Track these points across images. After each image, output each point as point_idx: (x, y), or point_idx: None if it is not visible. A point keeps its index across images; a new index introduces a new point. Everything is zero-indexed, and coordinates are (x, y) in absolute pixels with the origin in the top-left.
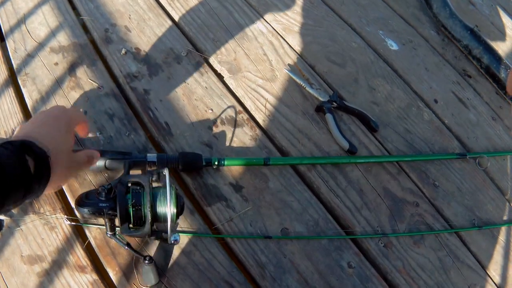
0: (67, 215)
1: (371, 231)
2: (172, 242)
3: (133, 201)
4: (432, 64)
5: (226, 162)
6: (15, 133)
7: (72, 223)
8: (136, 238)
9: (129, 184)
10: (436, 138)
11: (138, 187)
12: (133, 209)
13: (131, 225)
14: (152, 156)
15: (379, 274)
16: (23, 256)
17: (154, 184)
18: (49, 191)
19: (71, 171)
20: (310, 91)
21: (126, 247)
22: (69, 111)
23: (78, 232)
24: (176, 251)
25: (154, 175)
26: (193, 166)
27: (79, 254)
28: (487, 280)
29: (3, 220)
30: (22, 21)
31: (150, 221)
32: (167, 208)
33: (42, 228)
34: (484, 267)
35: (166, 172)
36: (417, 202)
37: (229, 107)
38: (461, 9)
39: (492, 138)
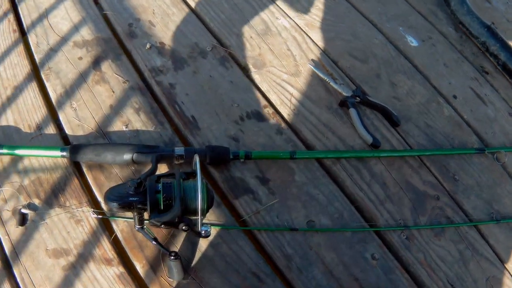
0: (93, 208)
1: (394, 223)
2: (203, 232)
3: (164, 195)
4: (451, 61)
5: (253, 155)
6: None
7: (99, 216)
8: (163, 231)
9: (160, 178)
10: (456, 133)
11: (169, 181)
12: (164, 202)
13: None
14: (179, 149)
15: (402, 266)
16: (48, 250)
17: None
18: None
19: None
20: (334, 86)
21: (154, 242)
22: None
23: (105, 225)
24: (203, 243)
25: (183, 174)
26: (220, 160)
27: (105, 247)
28: (504, 273)
29: (27, 213)
30: (44, 15)
31: (180, 202)
32: (197, 196)
33: (67, 221)
34: (502, 260)
35: (196, 158)
36: (437, 196)
37: (254, 101)
38: (477, 6)
39: (509, 133)
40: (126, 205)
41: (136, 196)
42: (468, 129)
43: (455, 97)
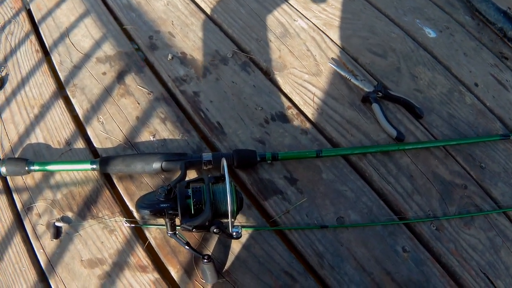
0: (125, 218)
1: (423, 215)
2: (234, 234)
3: (194, 199)
4: (469, 49)
5: (280, 156)
6: None
7: (132, 225)
8: (195, 236)
9: (189, 183)
10: (479, 121)
11: (198, 186)
12: (194, 207)
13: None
14: (207, 155)
15: (433, 257)
16: (83, 261)
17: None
18: None
19: None
20: (355, 82)
21: (186, 247)
22: None
23: (138, 233)
24: (235, 246)
25: (212, 178)
26: (248, 162)
27: (139, 255)
28: None
29: (61, 226)
30: (65, 34)
31: (210, 205)
32: (227, 199)
33: (101, 232)
34: None
35: (224, 162)
36: (465, 185)
37: (278, 103)
38: None
39: None
40: (157, 212)
41: (166, 202)
42: (491, 116)
43: (476, 85)
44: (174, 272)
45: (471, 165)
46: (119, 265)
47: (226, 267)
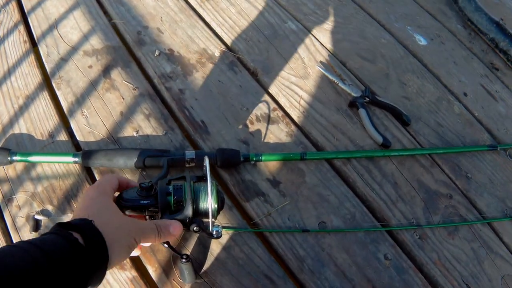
0: None
1: (406, 223)
2: (214, 233)
3: (175, 197)
4: (460, 58)
5: (263, 158)
6: (74, 214)
7: None
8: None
9: (170, 181)
10: (467, 131)
11: (179, 184)
12: (175, 204)
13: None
14: (190, 153)
15: (415, 265)
16: None
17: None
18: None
19: (130, 246)
20: (343, 87)
21: (165, 245)
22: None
23: None
24: (215, 246)
25: (194, 177)
26: (231, 162)
27: None
28: None
29: (40, 220)
30: (54, 26)
31: (191, 203)
32: (208, 198)
33: None
34: None
35: (206, 160)
36: (450, 194)
37: (263, 104)
38: (486, 2)
39: None
40: (137, 208)
41: (147, 199)
42: (479, 126)
43: (465, 94)
44: (152, 271)
45: (457, 174)
46: None
47: (204, 268)
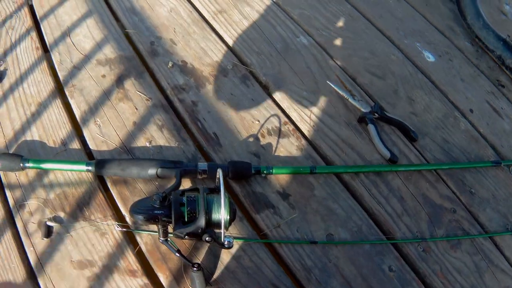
0: (117, 222)
1: (411, 236)
2: (226, 243)
3: (188, 208)
4: (467, 75)
5: (274, 171)
6: None
7: (124, 229)
8: (186, 244)
9: (184, 192)
10: (472, 147)
11: (193, 195)
12: (188, 215)
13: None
14: (203, 164)
15: (418, 277)
16: (73, 261)
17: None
18: None
19: None
20: (353, 102)
21: (177, 254)
22: None
23: (129, 238)
24: (225, 256)
25: (207, 189)
26: (242, 174)
27: (129, 259)
28: None
29: (52, 226)
30: (66, 33)
31: (204, 214)
32: (221, 209)
33: (92, 234)
34: None
35: (220, 173)
36: (454, 209)
37: (275, 118)
38: (493, 19)
39: None
40: (151, 218)
41: (161, 209)
42: (484, 142)
43: (471, 111)
44: (163, 278)
45: (461, 190)
46: (109, 268)
47: (215, 277)
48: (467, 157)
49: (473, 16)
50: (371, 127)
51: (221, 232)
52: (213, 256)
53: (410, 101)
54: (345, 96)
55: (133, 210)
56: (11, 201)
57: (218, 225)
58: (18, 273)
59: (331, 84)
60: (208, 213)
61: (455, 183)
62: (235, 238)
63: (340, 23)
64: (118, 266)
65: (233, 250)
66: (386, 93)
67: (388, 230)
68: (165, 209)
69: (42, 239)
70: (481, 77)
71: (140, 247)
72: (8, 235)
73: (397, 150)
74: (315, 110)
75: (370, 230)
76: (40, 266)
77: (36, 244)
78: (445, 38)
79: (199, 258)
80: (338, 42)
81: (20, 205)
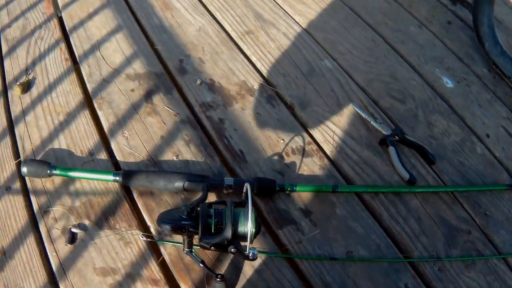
0: (142, 232)
1: (427, 256)
2: (250, 255)
3: (215, 219)
4: (484, 101)
5: (298, 188)
6: None
7: (148, 239)
8: (209, 256)
9: (211, 204)
10: (488, 171)
11: (220, 207)
12: (215, 227)
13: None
14: (229, 179)
15: None
16: (96, 268)
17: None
18: None
19: None
20: (374, 125)
21: (201, 264)
22: None
23: (152, 248)
24: (247, 269)
25: (233, 203)
26: (267, 191)
27: (153, 269)
28: None
29: (77, 233)
30: (96, 47)
31: (231, 226)
32: (248, 222)
33: (116, 242)
34: None
35: (248, 187)
36: (469, 230)
37: (299, 137)
38: (510, 47)
39: None
40: (178, 228)
41: (188, 220)
42: (500, 166)
43: (488, 136)
44: None
45: (477, 212)
46: (132, 276)
47: None
48: (483, 180)
49: (491, 44)
50: (391, 149)
51: (245, 245)
52: (236, 269)
53: (429, 125)
54: (367, 119)
55: (161, 219)
56: (35, 207)
57: (243, 237)
58: (39, 277)
59: (354, 107)
60: (235, 225)
61: (470, 205)
62: (258, 252)
63: (363, 48)
64: (141, 275)
65: (256, 263)
66: (406, 116)
67: (406, 249)
68: (192, 220)
69: (66, 245)
70: (498, 103)
71: (163, 257)
72: (31, 240)
73: (416, 172)
74: (338, 131)
75: (388, 249)
76: (62, 271)
77: (59, 249)
78: (463, 65)
79: (222, 270)
80: (361, 66)
81: (45, 210)
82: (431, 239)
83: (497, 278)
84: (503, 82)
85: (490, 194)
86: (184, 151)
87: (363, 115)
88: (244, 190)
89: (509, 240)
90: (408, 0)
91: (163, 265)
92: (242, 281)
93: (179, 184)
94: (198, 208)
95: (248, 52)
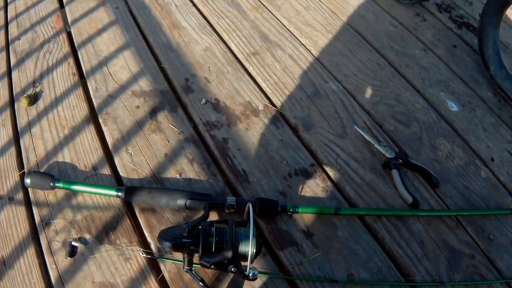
0: (142, 248)
1: (430, 280)
2: (250, 275)
3: (216, 238)
4: (489, 124)
5: (300, 210)
6: None
7: (148, 256)
8: (209, 275)
9: (213, 223)
10: (492, 195)
11: (221, 226)
12: (215, 245)
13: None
14: (231, 199)
15: None
16: (94, 283)
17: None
18: None
19: None
20: (378, 147)
21: (200, 283)
22: None
23: (153, 265)
24: None
25: (235, 222)
26: (269, 211)
27: (152, 286)
28: None
29: (77, 246)
30: (103, 63)
31: (231, 245)
32: (249, 242)
33: (116, 258)
34: None
35: (250, 207)
36: (472, 254)
37: (302, 159)
38: None
39: None
40: (178, 246)
41: (189, 238)
42: (504, 190)
43: (492, 160)
44: None
45: (480, 236)
46: None
47: None
48: (487, 204)
49: (496, 67)
50: (394, 173)
51: (246, 265)
52: None
53: (433, 149)
54: (371, 142)
55: (162, 237)
56: (37, 219)
57: (243, 257)
58: None
59: (358, 129)
60: (236, 244)
61: (474, 229)
62: (259, 272)
63: (368, 71)
64: None
65: (255, 284)
66: (410, 139)
67: (408, 273)
68: (192, 238)
69: (66, 258)
70: (503, 127)
71: (163, 275)
72: (31, 251)
73: (419, 196)
74: (342, 153)
75: (390, 272)
76: (60, 284)
77: (59, 262)
78: (468, 88)
79: None
80: (365, 89)
81: (46, 223)
82: (433, 263)
83: None
84: (508, 106)
85: (494, 218)
86: (187, 169)
87: (367, 137)
88: (246, 210)
89: None
90: (414, 23)
91: (162, 282)
92: None
93: (181, 202)
94: (199, 227)
95: (253, 73)
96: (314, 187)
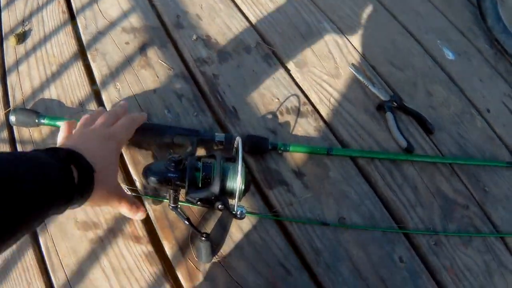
0: (127, 186)
1: (423, 228)
2: (238, 213)
3: (203, 173)
4: (485, 76)
5: (291, 148)
6: (59, 140)
7: (133, 194)
8: (195, 214)
9: (200, 158)
10: (487, 146)
11: (209, 161)
12: (202, 181)
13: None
14: (220, 135)
15: (428, 271)
16: (77, 222)
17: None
18: (86, 205)
19: (110, 198)
20: (372, 89)
21: (186, 222)
22: (117, 135)
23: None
24: (234, 230)
25: (224, 158)
26: (259, 149)
27: (136, 225)
28: None
29: None
30: (94, 0)
31: (219, 180)
32: (237, 177)
33: None
34: None
35: (239, 141)
36: (467, 205)
37: (294, 98)
38: None
39: None
40: (164, 181)
41: (175, 172)
42: (499, 142)
43: (488, 110)
44: (169, 248)
45: (475, 186)
46: (114, 232)
47: (221, 250)
48: (482, 155)
49: (493, 20)
50: (389, 115)
51: (234, 204)
52: (222, 229)
53: (428, 95)
54: (365, 83)
55: (146, 171)
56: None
57: (231, 194)
58: None
59: (352, 70)
60: (223, 180)
61: (469, 179)
62: (246, 212)
63: (364, 14)
64: (123, 230)
65: (243, 224)
66: (405, 84)
67: (401, 219)
68: (179, 173)
69: None
70: (499, 79)
71: (148, 213)
72: None
73: (413, 141)
74: (335, 93)
75: (382, 217)
76: (42, 223)
77: None
78: (465, 39)
79: (208, 229)
80: (360, 31)
81: None
82: (427, 210)
83: (494, 258)
84: (504, 59)
85: (489, 169)
86: (176, 105)
87: (361, 79)
88: (235, 145)
89: (508, 218)
90: None
91: (147, 222)
92: (228, 241)
93: (168, 137)
94: (186, 162)
95: (246, 11)
96: (306, 126)
